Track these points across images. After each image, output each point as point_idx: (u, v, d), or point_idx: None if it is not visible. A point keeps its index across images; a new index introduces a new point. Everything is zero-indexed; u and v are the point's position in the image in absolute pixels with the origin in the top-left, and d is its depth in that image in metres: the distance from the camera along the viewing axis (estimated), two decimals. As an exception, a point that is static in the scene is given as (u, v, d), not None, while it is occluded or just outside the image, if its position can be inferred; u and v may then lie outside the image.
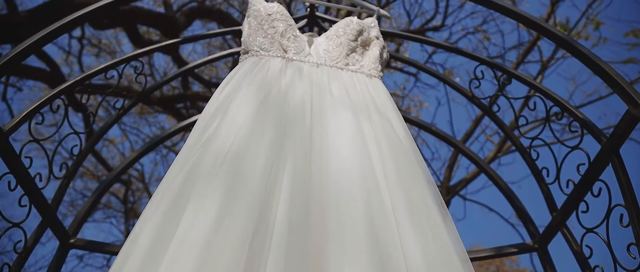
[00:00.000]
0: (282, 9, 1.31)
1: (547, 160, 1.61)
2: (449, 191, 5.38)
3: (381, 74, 1.28)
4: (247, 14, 1.34)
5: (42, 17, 3.97)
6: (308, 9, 2.01)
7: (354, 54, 1.28)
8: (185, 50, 7.01)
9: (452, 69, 7.24)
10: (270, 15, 1.27)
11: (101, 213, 7.78)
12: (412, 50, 7.94)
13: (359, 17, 1.54)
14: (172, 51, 5.43)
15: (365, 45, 1.33)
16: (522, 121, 1.65)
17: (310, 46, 1.29)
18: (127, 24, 4.94)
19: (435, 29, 6.84)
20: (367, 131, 1.00)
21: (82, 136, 1.54)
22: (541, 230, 1.62)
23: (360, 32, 1.32)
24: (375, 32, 1.39)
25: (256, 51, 1.22)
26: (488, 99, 1.74)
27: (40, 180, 1.35)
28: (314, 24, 2.04)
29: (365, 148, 0.95)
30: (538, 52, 6.06)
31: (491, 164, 5.82)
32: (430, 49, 6.26)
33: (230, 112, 0.99)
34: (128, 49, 6.94)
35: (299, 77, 1.13)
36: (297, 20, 2.02)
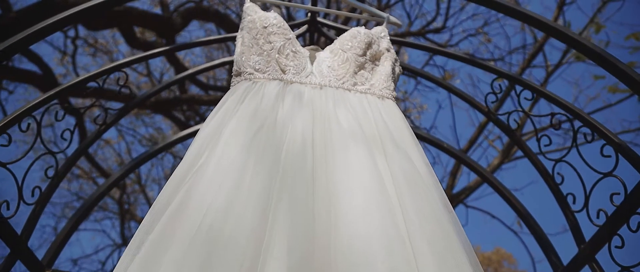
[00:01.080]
0: (280, 20, 1.14)
1: (572, 183, 1.48)
2: (452, 200, 5.24)
3: (394, 93, 1.11)
4: (240, 26, 1.17)
5: (33, 17, 3.82)
6: (309, 14, 1.87)
7: (362, 71, 1.11)
8: (183, 51, 6.86)
9: (452, 70, 7.11)
10: (265, 28, 1.11)
11: (96, 215, 7.65)
12: (412, 51, 7.81)
13: (365, 25, 1.37)
14: (167, 52, 5.27)
15: (375, 59, 1.16)
16: (543, 141, 1.51)
17: (312, 62, 1.12)
18: (122, 24, 4.78)
19: (436, 31, 6.71)
20: (383, 170, 0.84)
21: (59, 156, 1.40)
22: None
23: (369, 45, 1.15)
24: (385, 43, 1.21)
25: (250, 73, 1.05)
26: (506, 116, 1.60)
27: (7, 208, 1.20)
28: (315, 31, 1.89)
29: (384, 194, 0.78)
30: (542, 56, 5.92)
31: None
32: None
33: (216, 153, 0.83)
34: (125, 48, 6.81)
35: (298, 105, 0.97)
36: (297, 26, 1.87)
